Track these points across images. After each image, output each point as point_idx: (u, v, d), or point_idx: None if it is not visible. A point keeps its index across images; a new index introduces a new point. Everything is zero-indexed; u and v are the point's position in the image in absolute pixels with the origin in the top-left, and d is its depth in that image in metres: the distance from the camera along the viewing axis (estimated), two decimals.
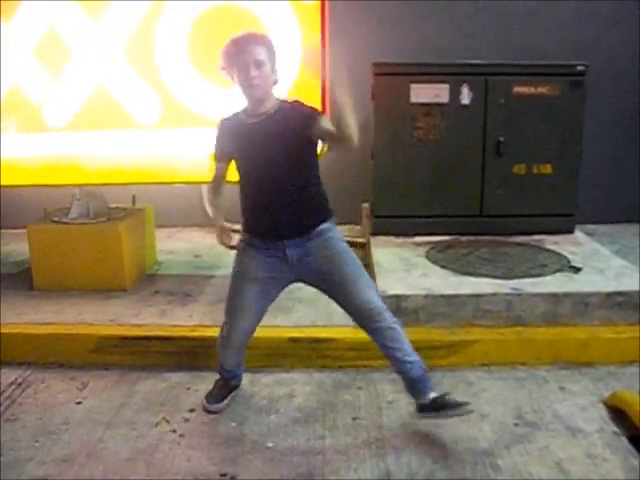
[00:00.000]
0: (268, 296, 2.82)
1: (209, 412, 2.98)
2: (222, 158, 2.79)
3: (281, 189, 2.63)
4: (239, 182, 2.75)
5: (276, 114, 2.62)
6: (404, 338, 2.76)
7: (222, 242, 2.79)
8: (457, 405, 2.70)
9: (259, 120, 2.62)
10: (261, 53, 2.54)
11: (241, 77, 2.56)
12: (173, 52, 3.80)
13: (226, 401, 3.03)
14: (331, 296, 2.79)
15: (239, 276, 2.80)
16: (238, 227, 2.81)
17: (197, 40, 3.78)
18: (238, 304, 2.81)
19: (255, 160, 2.65)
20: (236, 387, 3.12)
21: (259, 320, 2.87)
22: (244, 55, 2.53)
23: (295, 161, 2.63)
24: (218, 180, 2.85)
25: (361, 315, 2.76)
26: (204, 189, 5.44)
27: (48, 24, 3.80)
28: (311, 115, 2.61)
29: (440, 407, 2.70)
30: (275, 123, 2.60)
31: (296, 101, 2.73)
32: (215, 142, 2.79)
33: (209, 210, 2.92)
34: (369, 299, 2.72)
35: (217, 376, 3.09)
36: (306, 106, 2.68)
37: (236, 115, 2.73)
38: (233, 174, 2.80)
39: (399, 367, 2.78)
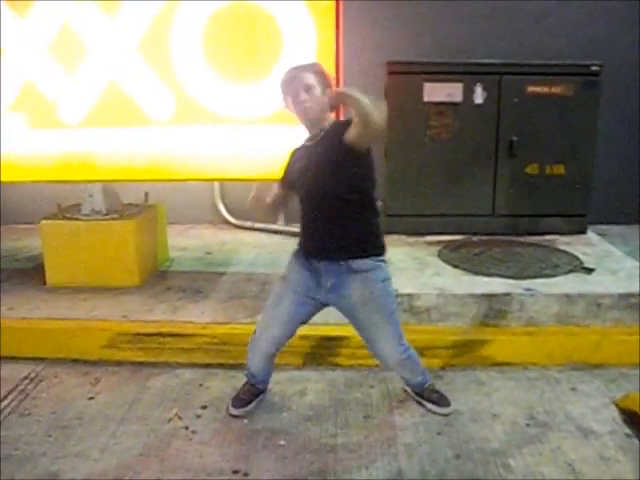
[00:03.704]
0: (302, 312, 2.81)
1: (233, 416, 2.94)
2: (282, 184, 2.87)
3: (325, 205, 2.64)
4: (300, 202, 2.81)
5: (327, 134, 2.66)
6: (415, 360, 2.90)
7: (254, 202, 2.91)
8: (440, 402, 2.97)
9: (314, 142, 2.69)
10: (309, 78, 2.63)
11: (294, 102, 2.65)
12: (187, 49, 3.79)
13: (251, 406, 2.98)
14: (356, 330, 2.84)
15: (284, 282, 2.83)
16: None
17: (211, 37, 3.77)
18: (276, 307, 2.82)
19: (306, 177, 2.67)
20: (262, 392, 3.06)
21: (290, 335, 2.87)
22: (293, 82, 2.65)
23: (342, 178, 2.60)
24: (274, 205, 2.94)
25: (378, 359, 2.89)
26: (216, 186, 5.49)
27: (63, 21, 3.81)
28: (343, 122, 2.62)
29: (426, 398, 2.99)
30: (324, 142, 2.65)
31: (343, 120, 2.76)
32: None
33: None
34: (387, 352, 2.81)
35: (242, 379, 3.05)
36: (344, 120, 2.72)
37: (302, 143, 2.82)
38: None
39: (407, 383, 3.02)
